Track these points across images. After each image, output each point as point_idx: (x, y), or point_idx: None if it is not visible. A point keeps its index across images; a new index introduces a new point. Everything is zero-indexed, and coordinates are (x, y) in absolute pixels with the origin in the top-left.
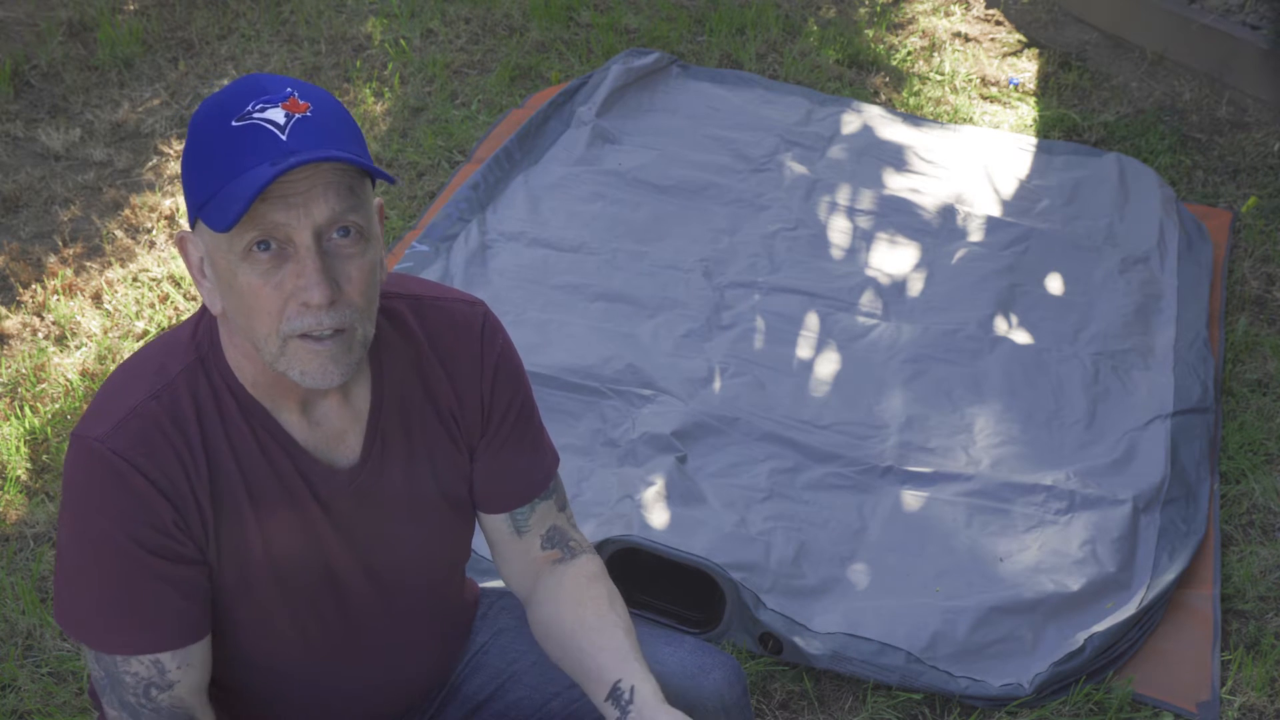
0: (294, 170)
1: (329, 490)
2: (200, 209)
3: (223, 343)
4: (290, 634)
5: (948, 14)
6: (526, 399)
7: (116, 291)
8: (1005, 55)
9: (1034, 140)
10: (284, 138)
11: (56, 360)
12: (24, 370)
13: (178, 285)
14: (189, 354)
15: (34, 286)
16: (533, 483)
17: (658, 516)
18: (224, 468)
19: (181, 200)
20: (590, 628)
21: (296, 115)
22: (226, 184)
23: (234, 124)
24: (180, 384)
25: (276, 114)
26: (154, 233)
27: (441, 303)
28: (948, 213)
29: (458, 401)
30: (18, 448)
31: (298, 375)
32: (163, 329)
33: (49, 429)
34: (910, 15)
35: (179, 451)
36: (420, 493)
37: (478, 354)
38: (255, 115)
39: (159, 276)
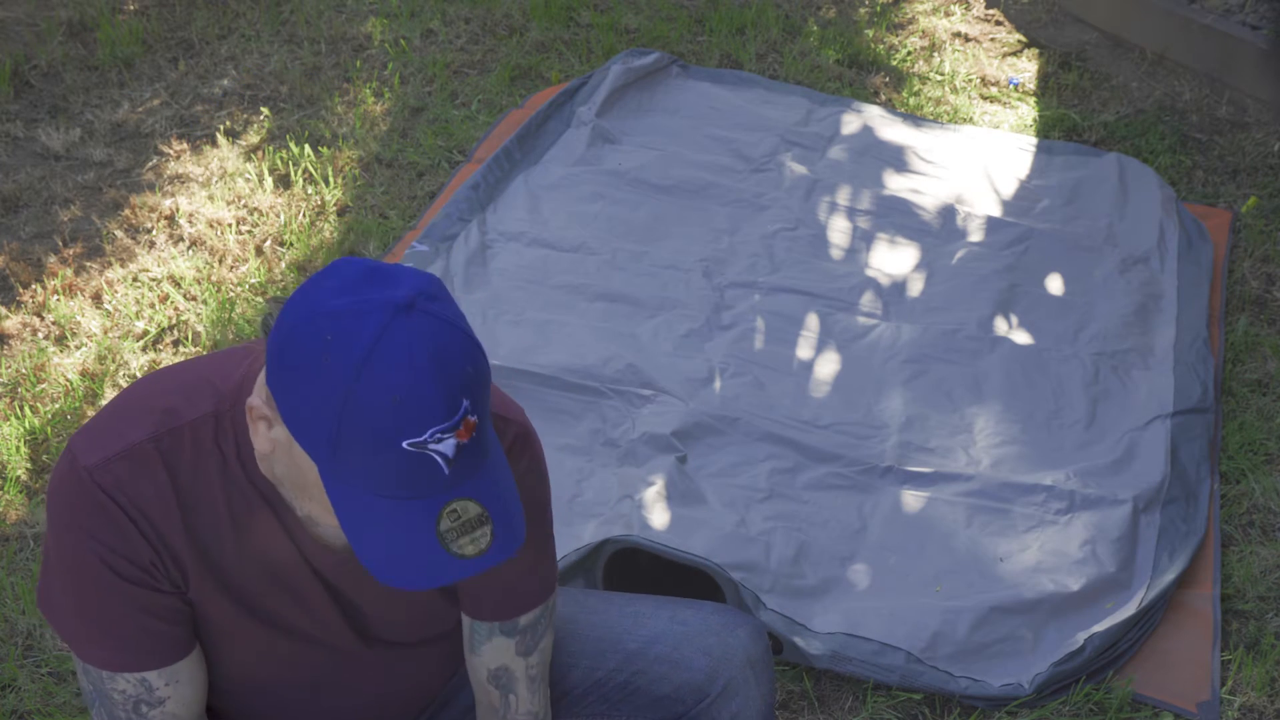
0: (443, 534)
1: (324, 561)
2: (329, 474)
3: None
4: (277, 667)
5: (948, 14)
6: (530, 522)
7: (116, 291)
8: (1005, 55)
9: (1034, 140)
10: (446, 473)
11: (56, 360)
12: (24, 370)
13: (178, 285)
14: (209, 404)
15: (34, 286)
16: (493, 607)
17: (658, 516)
18: (215, 524)
19: (181, 200)
20: None
21: (464, 443)
22: (376, 496)
23: (406, 446)
24: (186, 433)
25: (449, 446)
26: (154, 233)
27: None
28: (948, 213)
29: None
30: (18, 448)
31: (322, 531)
32: (163, 329)
33: (49, 429)
34: (910, 15)
35: (166, 500)
36: None
37: None
38: (431, 446)
39: (159, 276)
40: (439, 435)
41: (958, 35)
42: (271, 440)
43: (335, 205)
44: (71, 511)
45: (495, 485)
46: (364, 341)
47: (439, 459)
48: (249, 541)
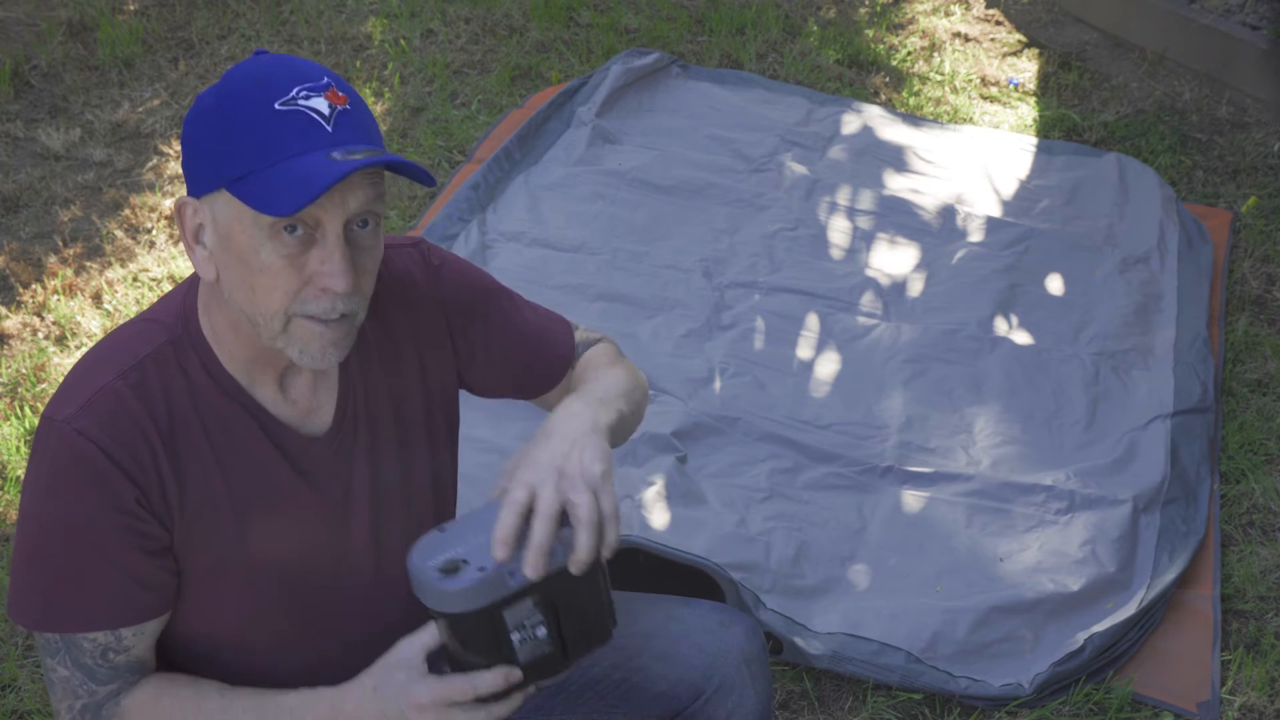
0: (334, 158)
1: (308, 459)
2: (234, 183)
3: (204, 317)
4: (270, 611)
5: (948, 14)
6: (492, 295)
7: (116, 291)
8: (1005, 55)
9: (1034, 140)
10: (330, 129)
11: (56, 360)
12: (24, 370)
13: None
14: (160, 335)
15: (34, 286)
16: (561, 359)
17: (658, 516)
18: (195, 445)
19: (182, 195)
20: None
21: (339, 107)
22: (273, 166)
23: (278, 106)
24: (149, 364)
25: (320, 103)
26: (154, 233)
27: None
28: (948, 213)
29: (420, 357)
30: (18, 448)
31: (296, 354)
32: None
33: None
34: (910, 15)
35: (145, 431)
36: (385, 468)
37: (429, 294)
38: (300, 102)
39: (159, 276)
40: (305, 92)
41: (958, 35)
42: (207, 254)
43: None
44: (54, 473)
45: (387, 152)
46: (224, 74)
47: (315, 115)
48: (232, 459)
